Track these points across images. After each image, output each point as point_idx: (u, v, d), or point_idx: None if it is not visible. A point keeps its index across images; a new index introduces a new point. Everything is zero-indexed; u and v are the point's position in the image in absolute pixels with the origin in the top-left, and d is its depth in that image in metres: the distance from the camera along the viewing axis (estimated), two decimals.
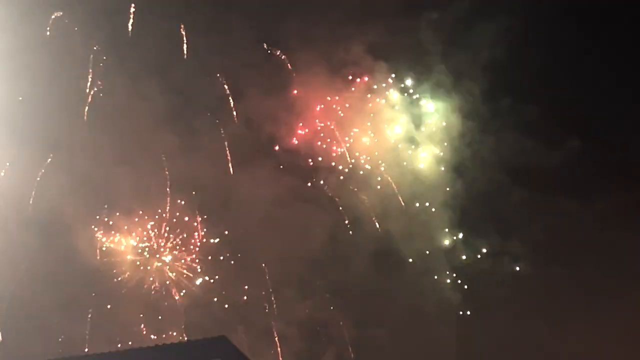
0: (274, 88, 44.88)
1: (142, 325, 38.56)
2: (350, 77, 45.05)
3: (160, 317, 39.91)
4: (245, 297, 41.39)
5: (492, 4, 44.50)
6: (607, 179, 41.50)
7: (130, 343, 36.71)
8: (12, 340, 37.18)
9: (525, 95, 44.12)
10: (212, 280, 41.32)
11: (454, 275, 42.14)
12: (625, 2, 44.30)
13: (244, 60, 44.23)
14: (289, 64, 45.03)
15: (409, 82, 45.65)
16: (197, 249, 41.43)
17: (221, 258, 41.71)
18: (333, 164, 44.70)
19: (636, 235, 39.34)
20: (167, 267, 41.17)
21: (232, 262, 41.86)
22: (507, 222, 42.66)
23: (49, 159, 38.35)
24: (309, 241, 42.20)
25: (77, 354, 30.67)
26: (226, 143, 43.87)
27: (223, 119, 44.11)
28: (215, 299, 40.96)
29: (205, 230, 42.14)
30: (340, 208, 43.74)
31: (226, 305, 40.82)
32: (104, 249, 40.05)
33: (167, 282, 40.94)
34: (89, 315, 38.64)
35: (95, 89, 41.18)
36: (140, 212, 41.04)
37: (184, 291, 40.79)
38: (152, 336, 37.88)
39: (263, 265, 41.69)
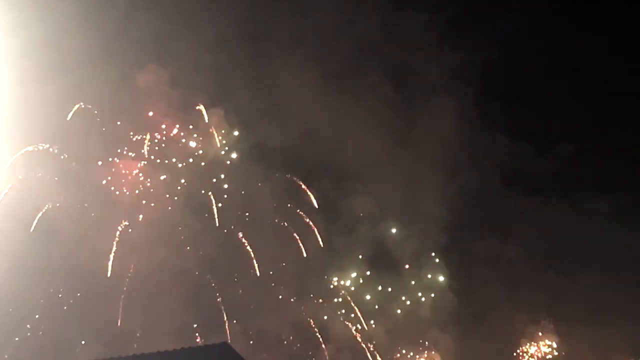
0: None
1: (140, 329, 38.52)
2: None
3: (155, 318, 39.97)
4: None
5: (485, 8, 44.99)
6: (599, 182, 42.06)
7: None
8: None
9: (517, 100, 44.65)
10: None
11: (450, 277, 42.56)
12: (617, 10, 44.80)
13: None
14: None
15: None
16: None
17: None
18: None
19: (629, 237, 39.90)
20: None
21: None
22: (502, 225, 43.06)
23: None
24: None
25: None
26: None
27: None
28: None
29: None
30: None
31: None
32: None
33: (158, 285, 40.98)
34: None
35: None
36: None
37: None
38: (150, 341, 37.72)
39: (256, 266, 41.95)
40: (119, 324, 39.17)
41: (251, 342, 40.06)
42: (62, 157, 39.22)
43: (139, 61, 42.28)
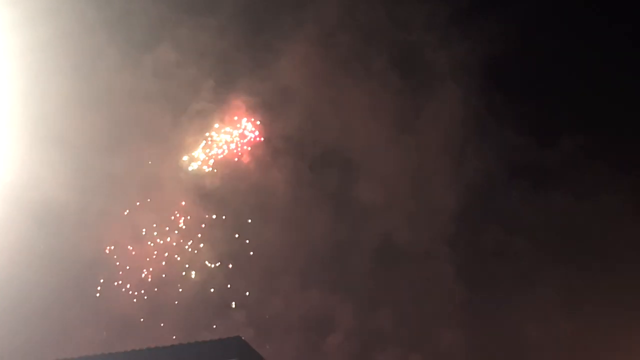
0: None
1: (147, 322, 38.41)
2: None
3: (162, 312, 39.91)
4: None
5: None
6: (606, 175, 41.93)
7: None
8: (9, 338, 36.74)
9: (523, 92, 44.48)
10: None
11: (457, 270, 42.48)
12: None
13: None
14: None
15: None
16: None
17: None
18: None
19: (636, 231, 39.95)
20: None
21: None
22: (508, 217, 43.02)
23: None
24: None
25: (88, 354, 30.25)
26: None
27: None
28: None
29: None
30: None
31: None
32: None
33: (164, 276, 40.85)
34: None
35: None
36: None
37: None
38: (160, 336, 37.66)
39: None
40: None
41: (257, 332, 40.06)
42: (69, 146, 38.96)
43: (143, 46, 42.14)
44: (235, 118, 44.31)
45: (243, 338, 29.29)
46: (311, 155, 44.79)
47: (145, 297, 39.98)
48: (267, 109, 44.56)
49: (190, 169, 42.89)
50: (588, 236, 40.69)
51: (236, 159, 43.79)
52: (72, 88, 39.46)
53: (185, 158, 42.81)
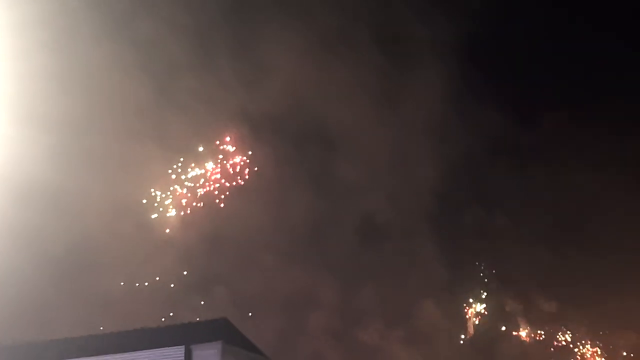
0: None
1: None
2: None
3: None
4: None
5: None
6: (587, 153, 42.20)
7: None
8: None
9: (504, 70, 44.48)
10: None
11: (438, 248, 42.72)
12: None
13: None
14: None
15: None
16: None
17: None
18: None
19: (619, 208, 40.34)
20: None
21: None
22: (489, 196, 43.28)
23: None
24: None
25: (69, 335, 30.01)
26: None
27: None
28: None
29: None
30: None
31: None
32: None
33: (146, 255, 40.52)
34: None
35: None
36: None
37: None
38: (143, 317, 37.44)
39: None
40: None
41: (239, 311, 40.10)
42: (48, 124, 38.23)
43: (122, 23, 41.33)
44: (216, 95, 43.82)
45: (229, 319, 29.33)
46: (292, 134, 44.64)
47: (128, 277, 39.75)
48: (248, 86, 44.13)
49: (170, 146, 42.54)
50: (569, 214, 41.17)
51: (217, 137, 43.48)
52: (50, 66, 38.66)
53: (165, 135, 42.35)
